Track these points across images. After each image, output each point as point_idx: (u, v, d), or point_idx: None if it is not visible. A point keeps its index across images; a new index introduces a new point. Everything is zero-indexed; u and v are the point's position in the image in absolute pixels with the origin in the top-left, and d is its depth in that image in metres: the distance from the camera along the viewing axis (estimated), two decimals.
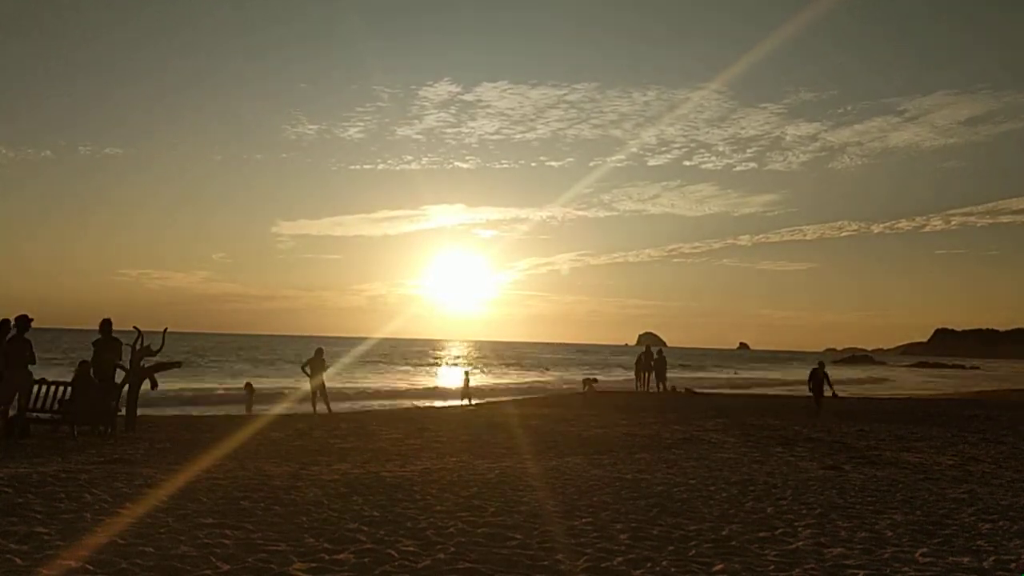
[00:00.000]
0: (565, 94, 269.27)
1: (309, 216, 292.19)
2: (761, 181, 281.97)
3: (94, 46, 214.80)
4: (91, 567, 4.99)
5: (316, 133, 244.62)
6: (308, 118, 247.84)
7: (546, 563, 5.56)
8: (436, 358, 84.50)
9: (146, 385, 14.58)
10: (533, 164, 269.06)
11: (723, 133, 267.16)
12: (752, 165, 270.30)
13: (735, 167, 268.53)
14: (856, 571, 5.58)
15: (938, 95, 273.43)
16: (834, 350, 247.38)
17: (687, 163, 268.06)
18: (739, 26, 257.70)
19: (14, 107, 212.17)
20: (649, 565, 5.59)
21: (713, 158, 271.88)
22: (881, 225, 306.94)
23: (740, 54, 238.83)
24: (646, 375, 31.47)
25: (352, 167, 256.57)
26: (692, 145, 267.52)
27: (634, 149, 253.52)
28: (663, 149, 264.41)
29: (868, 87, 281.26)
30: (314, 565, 5.30)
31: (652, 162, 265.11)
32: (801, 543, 6.40)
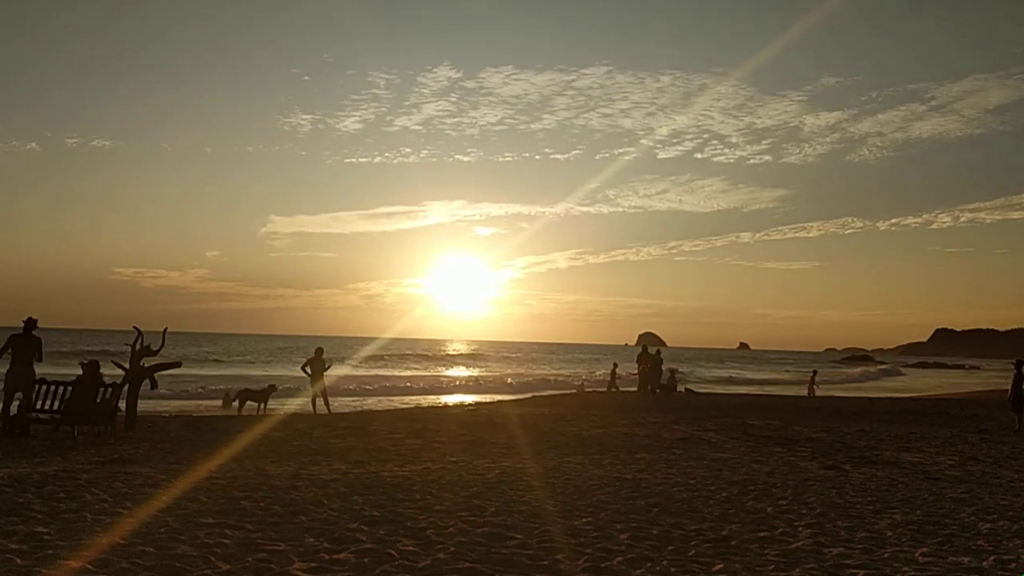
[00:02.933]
0: (573, 79, 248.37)
1: (304, 212, 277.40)
2: (774, 175, 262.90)
3: (78, 34, 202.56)
4: (91, 567, 4.99)
5: (310, 123, 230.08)
6: (301, 107, 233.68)
7: (546, 563, 5.56)
8: (435, 359, 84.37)
9: (146, 385, 14.60)
10: (537, 157, 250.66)
11: (738, 123, 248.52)
12: (766, 158, 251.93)
13: (748, 160, 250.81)
14: (856, 571, 5.58)
15: (969, 80, 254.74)
16: (834, 350, 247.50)
17: (698, 156, 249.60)
18: (765, 7, 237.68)
19: None
20: (649, 565, 5.59)
21: (726, 150, 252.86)
22: (887, 222, 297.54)
23: (764, 37, 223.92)
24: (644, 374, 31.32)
25: (348, 160, 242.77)
26: (705, 136, 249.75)
27: (644, 141, 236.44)
28: (674, 140, 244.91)
29: (897, 72, 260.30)
30: (314, 565, 5.30)
31: (662, 155, 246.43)
32: (801, 543, 6.40)
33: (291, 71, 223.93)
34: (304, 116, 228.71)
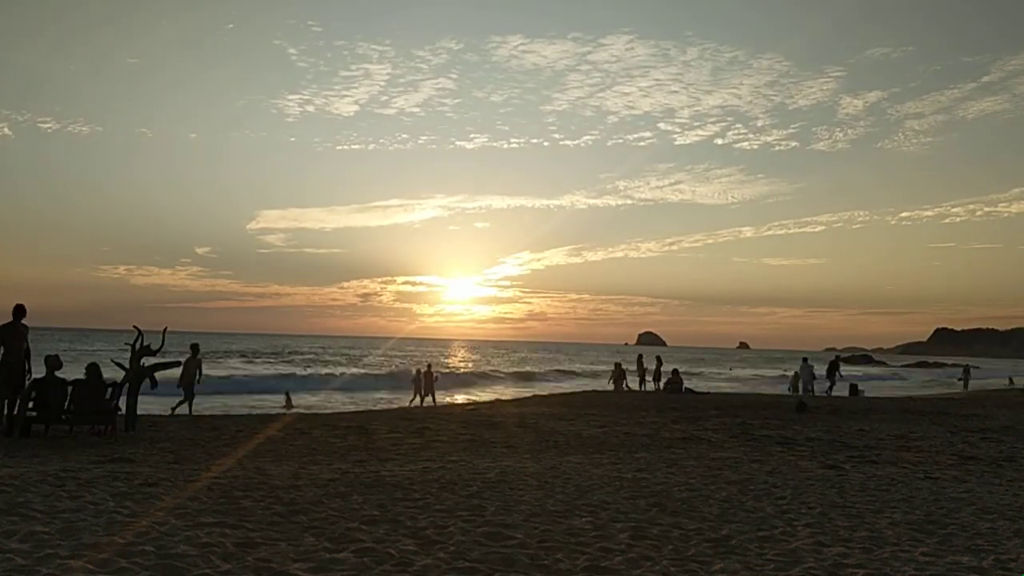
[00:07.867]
0: (590, 52, 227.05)
1: (295, 205, 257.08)
2: (798, 164, 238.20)
3: (50, 11, 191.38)
4: (91, 566, 4.99)
5: (298, 104, 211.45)
6: (288, 87, 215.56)
7: (546, 562, 5.57)
8: (434, 360, 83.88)
9: (146, 384, 14.59)
10: (546, 143, 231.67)
11: (767, 103, 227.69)
12: (793, 144, 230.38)
13: (773, 147, 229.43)
14: (856, 570, 5.59)
15: None
16: (834, 349, 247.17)
17: (719, 141, 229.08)
18: None
19: None
20: (648, 564, 5.60)
21: (750, 135, 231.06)
22: (897, 216, 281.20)
23: (813, 3, 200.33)
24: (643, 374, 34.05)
25: (340, 148, 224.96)
26: (729, 119, 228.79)
27: (662, 125, 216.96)
28: (696, 124, 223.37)
29: (952, 42, 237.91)
30: (314, 564, 5.30)
31: (680, 140, 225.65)
32: (801, 542, 6.41)
33: (273, 43, 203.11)
34: (291, 96, 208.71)
